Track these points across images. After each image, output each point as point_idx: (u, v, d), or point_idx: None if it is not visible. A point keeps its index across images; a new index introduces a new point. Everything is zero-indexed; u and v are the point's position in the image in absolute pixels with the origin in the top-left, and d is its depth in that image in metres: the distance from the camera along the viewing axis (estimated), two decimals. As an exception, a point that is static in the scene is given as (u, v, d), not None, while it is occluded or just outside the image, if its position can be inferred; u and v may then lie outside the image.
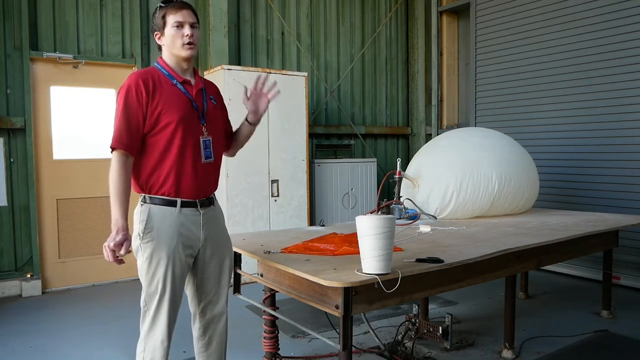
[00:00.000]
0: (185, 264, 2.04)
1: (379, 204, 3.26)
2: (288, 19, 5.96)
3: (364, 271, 1.90)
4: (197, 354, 2.23)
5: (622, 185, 4.67)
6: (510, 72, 5.64)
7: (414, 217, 3.37)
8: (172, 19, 2.00)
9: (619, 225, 3.43)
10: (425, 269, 2.08)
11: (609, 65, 4.72)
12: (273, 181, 4.96)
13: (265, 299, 2.66)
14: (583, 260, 4.82)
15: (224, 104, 2.33)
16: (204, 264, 2.13)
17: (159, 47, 2.08)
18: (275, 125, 4.97)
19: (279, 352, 2.73)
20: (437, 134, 6.29)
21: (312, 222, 5.38)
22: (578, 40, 4.97)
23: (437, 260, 2.14)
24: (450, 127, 6.58)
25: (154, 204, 1.99)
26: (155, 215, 1.98)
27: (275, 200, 4.98)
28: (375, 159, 6.22)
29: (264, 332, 2.70)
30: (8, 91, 4.43)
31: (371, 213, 2.96)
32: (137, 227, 1.99)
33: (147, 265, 1.96)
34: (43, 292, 4.56)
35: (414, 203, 3.54)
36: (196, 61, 5.25)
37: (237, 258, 2.65)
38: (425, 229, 3.00)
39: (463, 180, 3.48)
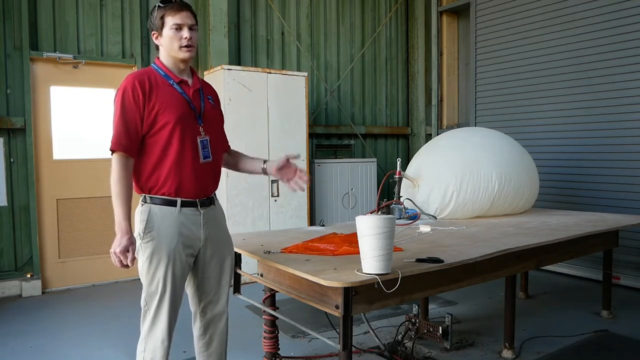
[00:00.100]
0: (186, 264, 2.04)
1: (379, 204, 3.26)
2: (288, 19, 5.96)
3: (364, 271, 1.90)
4: (197, 353, 2.23)
5: (622, 185, 4.67)
6: (510, 72, 5.64)
7: (414, 217, 3.37)
8: (170, 20, 1.99)
9: (619, 225, 3.43)
10: (425, 269, 2.08)
11: (609, 65, 4.72)
12: (273, 181, 4.96)
13: (265, 299, 2.66)
14: (583, 260, 4.82)
15: (220, 106, 2.29)
16: (204, 264, 2.13)
17: (156, 47, 2.08)
18: (275, 125, 4.97)
19: (279, 352, 2.73)
20: (437, 134, 6.29)
21: (312, 222, 5.38)
22: (578, 40, 4.97)
23: (437, 260, 2.14)
24: (450, 127, 6.58)
25: (154, 203, 1.99)
26: (156, 215, 1.98)
27: (275, 200, 4.98)
28: (375, 159, 6.22)
29: (264, 332, 2.70)
30: (8, 91, 4.44)
31: (371, 213, 2.96)
32: (137, 227, 1.99)
33: (148, 265, 1.97)
34: (43, 292, 4.56)
35: (414, 203, 3.54)
36: (196, 61, 5.25)
37: (237, 258, 2.65)
38: (425, 229, 3.00)
39: (463, 180, 3.48)
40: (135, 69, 4.86)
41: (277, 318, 2.65)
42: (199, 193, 2.05)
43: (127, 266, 1.89)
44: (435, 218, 3.50)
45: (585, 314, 3.88)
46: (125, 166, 1.92)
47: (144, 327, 2.02)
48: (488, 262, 2.50)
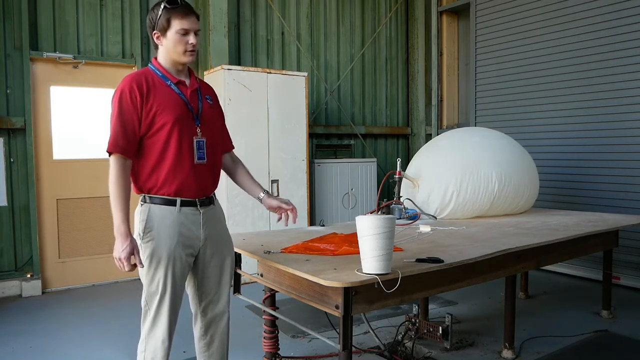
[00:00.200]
0: (186, 264, 2.04)
1: (379, 204, 3.26)
2: (288, 19, 5.96)
3: (364, 271, 1.90)
4: (198, 354, 2.23)
5: (622, 185, 4.67)
6: (510, 72, 5.64)
7: (414, 217, 3.37)
8: (178, 24, 1.96)
9: (619, 225, 3.43)
10: (425, 269, 2.08)
11: (609, 65, 4.72)
12: (273, 181, 4.96)
13: (265, 299, 2.66)
14: (583, 260, 4.82)
15: (219, 104, 2.27)
16: (204, 264, 2.12)
17: (155, 46, 2.06)
18: (275, 125, 4.97)
19: (279, 352, 2.73)
20: (437, 134, 6.29)
21: (312, 222, 5.38)
22: (578, 40, 4.97)
23: (437, 260, 2.14)
24: (450, 127, 6.58)
25: (154, 203, 1.99)
26: (155, 215, 1.98)
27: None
28: (375, 159, 6.22)
29: (264, 332, 2.70)
30: (8, 91, 4.44)
31: (371, 213, 2.96)
32: (137, 227, 1.99)
33: (148, 264, 1.96)
34: (43, 292, 4.56)
35: (414, 203, 3.54)
36: (196, 61, 5.25)
37: (237, 258, 2.65)
38: (425, 229, 3.00)
39: (463, 180, 3.48)
40: (135, 69, 4.86)
41: (277, 318, 2.65)
42: (199, 193, 2.05)
43: (134, 266, 1.91)
44: (435, 218, 3.50)
45: (585, 314, 3.88)
46: (122, 168, 1.92)
47: (145, 327, 2.02)
48: (488, 262, 2.50)
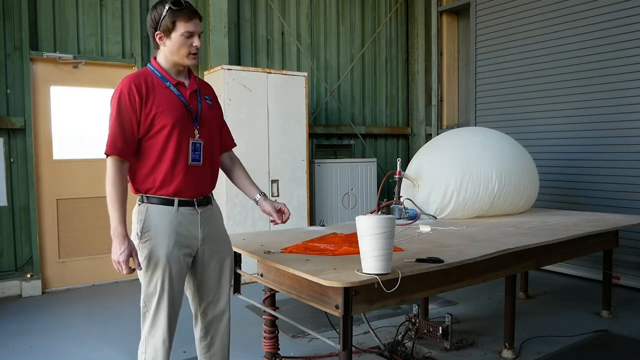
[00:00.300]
0: (184, 264, 2.03)
1: (379, 204, 3.26)
2: (288, 19, 5.96)
3: (364, 271, 1.90)
4: (199, 355, 2.22)
5: (622, 185, 4.67)
6: (510, 72, 5.64)
7: (414, 217, 3.37)
8: (183, 27, 1.95)
9: (619, 225, 3.43)
10: (425, 269, 2.08)
11: (609, 66, 4.72)
12: (273, 181, 4.96)
13: (265, 299, 2.66)
14: (583, 260, 4.82)
15: (219, 103, 2.26)
16: (203, 264, 2.12)
17: (156, 46, 2.03)
18: (275, 125, 4.97)
19: (279, 352, 2.73)
20: (437, 134, 6.29)
21: (312, 222, 5.38)
22: (578, 40, 4.97)
23: (437, 260, 2.14)
24: (450, 127, 6.57)
25: (152, 203, 1.99)
26: (153, 215, 1.97)
27: (275, 200, 4.97)
28: (375, 159, 6.22)
29: (264, 332, 2.70)
30: (8, 91, 4.43)
31: (371, 213, 2.96)
32: (134, 227, 1.99)
33: (146, 265, 1.96)
34: (43, 292, 4.56)
35: (414, 203, 3.54)
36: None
37: (237, 258, 2.66)
38: (425, 229, 3.00)
39: (463, 180, 3.48)
40: (135, 69, 4.86)
41: (277, 318, 2.65)
42: (197, 193, 2.05)
43: (133, 270, 1.90)
44: (435, 218, 3.50)
45: (585, 314, 3.88)
46: (120, 170, 1.91)
47: (144, 329, 2.01)
48: (488, 262, 2.50)
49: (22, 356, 3.17)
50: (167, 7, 1.94)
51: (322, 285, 1.91)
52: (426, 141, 6.08)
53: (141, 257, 1.95)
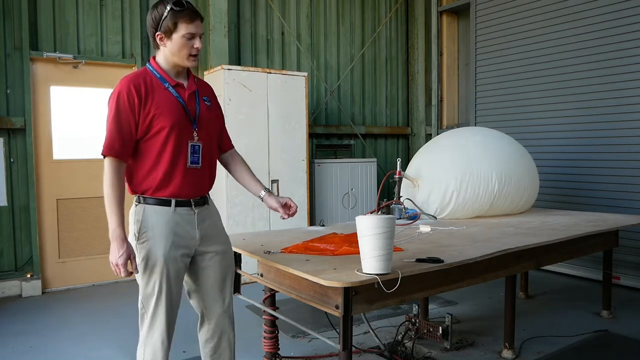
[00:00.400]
0: (182, 264, 2.03)
1: (379, 204, 3.26)
2: (288, 19, 5.96)
3: (364, 271, 1.90)
4: (204, 357, 2.21)
5: (622, 185, 4.67)
6: (510, 72, 5.64)
7: (414, 217, 3.37)
8: (184, 28, 1.92)
9: (619, 225, 3.43)
10: (425, 269, 2.08)
11: (609, 65, 4.72)
12: (273, 181, 4.96)
13: (265, 299, 2.66)
14: (583, 260, 4.82)
15: (218, 104, 2.25)
16: (203, 263, 2.11)
17: (156, 46, 2.01)
18: (275, 125, 4.97)
19: (279, 352, 2.73)
20: (437, 134, 6.29)
21: (312, 222, 5.38)
22: (578, 40, 4.97)
23: (437, 260, 2.14)
24: (450, 127, 6.57)
25: (149, 204, 1.98)
26: (150, 215, 1.97)
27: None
28: (375, 159, 6.22)
29: (264, 332, 2.70)
30: (8, 91, 4.44)
31: (371, 213, 2.96)
32: (132, 228, 1.97)
33: (143, 266, 1.95)
34: (43, 292, 4.56)
35: (414, 203, 3.54)
36: (196, 61, 5.23)
37: (237, 258, 2.65)
38: (425, 229, 3.00)
39: (463, 180, 3.48)
40: (135, 69, 4.85)
41: (277, 318, 2.65)
42: (194, 194, 2.04)
43: (132, 273, 1.90)
44: (435, 218, 3.50)
45: (585, 314, 3.88)
46: (117, 171, 1.90)
47: (143, 330, 2.01)
48: (488, 262, 2.50)
49: (22, 356, 3.17)
50: (168, 8, 1.91)
51: (322, 285, 1.91)
52: (426, 141, 6.08)
53: (138, 258, 1.95)
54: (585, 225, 3.32)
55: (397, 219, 3.26)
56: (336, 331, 2.59)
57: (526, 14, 5.45)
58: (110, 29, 4.88)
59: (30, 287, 4.48)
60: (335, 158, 6.03)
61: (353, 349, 2.21)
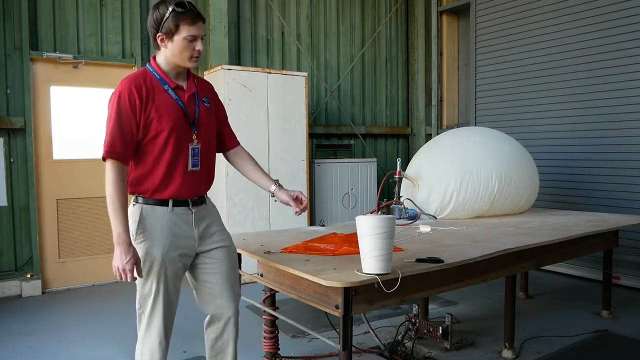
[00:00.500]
0: (180, 264, 2.02)
1: (379, 204, 3.26)
2: (288, 19, 5.96)
3: (364, 271, 1.90)
4: (209, 357, 2.21)
5: (622, 185, 4.67)
6: (510, 72, 5.64)
7: (414, 217, 3.37)
8: (186, 30, 1.90)
9: (619, 225, 3.43)
10: (425, 269, 2.08)
11: (609, 65, 4.72)
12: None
13: (265, 299, 2.66)
14: (583, 260, 4.82)
15: (219, 102, 2.25)
16: (205, 262, 2.10)
17: (157, 46, 1.99)
18: (275, 126, 4.97)
19: (279, 352, 2.73)
20: (437, 134, 6.29)
21: (312, 222, 5.38)
22: (578, 40, 4.97)
23: (437, 260, 2.14)
24: (450, 127, 6.57)
25: (146, 204, 1.97)
26: (148, 215, 1.96)
27: (275, 200, 4.96)
28: (375, 159, 6.22)
29: (264, 332, 2.70)
30: (8, 91, 4.43)
31: (371, 213, 2.96)
32: (130, 228, 1.95)
33: (141, 266, 1.95)
34: (43, 292, 4.56)
35: (414, 203, 3.54)
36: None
37: (237, 258, 2.65)
38: (425, 229, 3.00)
39: (463, 180, 3.48)
40: (135, 69, 4.86)
41: (277, 318, 2.65)
42: (192, 195, 2.04)
43: (135, 278, 1.89)
44: (435, 218, 3.50)
45: (585, 314, 3.88)
46: (120, 174, 1.87)
47: (140, 330, 2.01)
48: (488, 262, 2.50)
49: (22, 356, 3.17)
50: (170, 9, 1.89)
51: (322, 285, 1.91)
52: (426, 141, 6.08)
53: None
54: (585, 225, 3.32)
55: (397, 219, 3.26)
56: (336, 331, 2.59)
57: (526, 14, 5.45)
58: (110, 29, 4.88)
59: (30, 287, 4.48)
60: (335, 158, 6.03)
61: (353, 349, 2.21)
